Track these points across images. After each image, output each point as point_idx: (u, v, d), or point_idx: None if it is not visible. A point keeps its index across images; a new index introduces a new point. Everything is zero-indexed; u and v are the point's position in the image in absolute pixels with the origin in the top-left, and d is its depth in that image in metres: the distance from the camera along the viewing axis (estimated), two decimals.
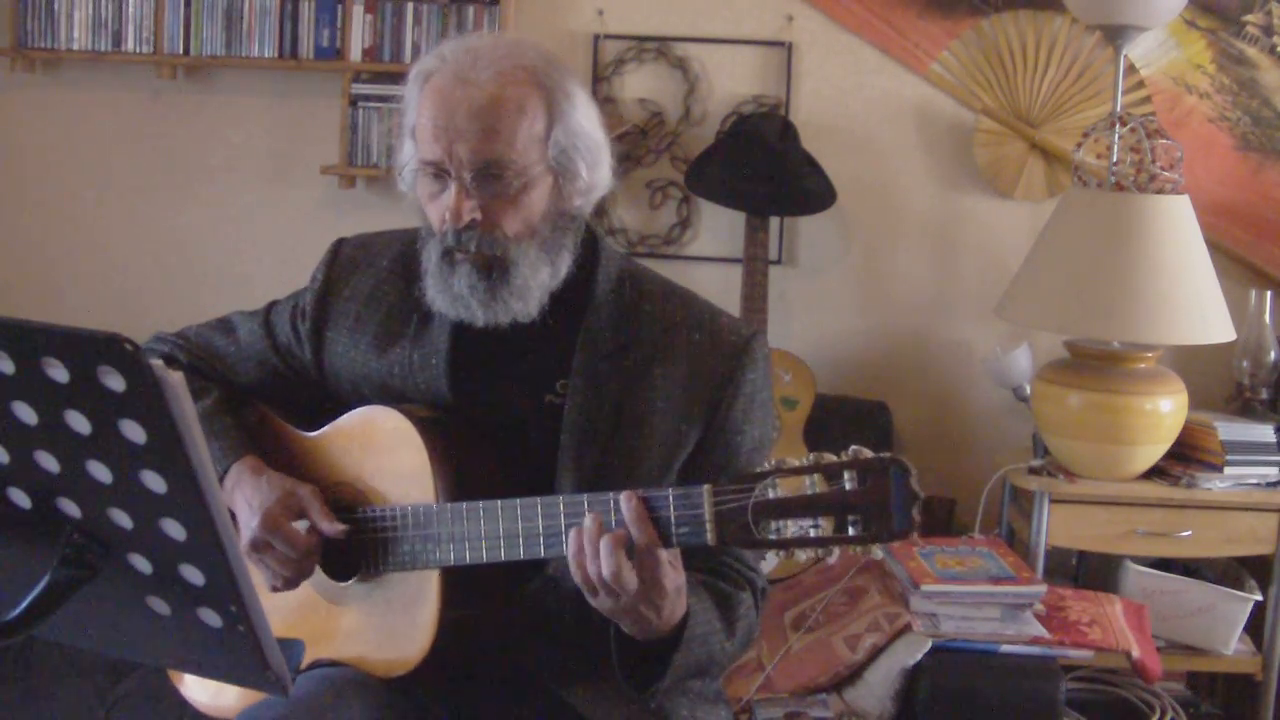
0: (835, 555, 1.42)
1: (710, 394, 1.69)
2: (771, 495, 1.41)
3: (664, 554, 1.48)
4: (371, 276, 1.81)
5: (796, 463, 1.42)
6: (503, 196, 1.62)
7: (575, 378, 1.68)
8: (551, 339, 1.70)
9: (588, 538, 1.48)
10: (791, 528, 1.41)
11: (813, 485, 1.41)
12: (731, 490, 1.44)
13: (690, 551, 1.56)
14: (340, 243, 1.86)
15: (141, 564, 1.19)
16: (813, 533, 1.40)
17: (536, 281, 1.65)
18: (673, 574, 1.50)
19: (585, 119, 1.67)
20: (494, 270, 1.64)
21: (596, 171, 1.69)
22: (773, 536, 1.41)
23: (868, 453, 1.40)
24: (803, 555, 1.42)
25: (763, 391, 1.73)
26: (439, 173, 1.64)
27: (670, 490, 1.48)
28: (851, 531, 1.39)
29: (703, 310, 1.75)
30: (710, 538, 1.45)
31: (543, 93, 1.63)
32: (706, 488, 1.45)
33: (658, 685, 1.59)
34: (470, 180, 1.61)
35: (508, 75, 1.62)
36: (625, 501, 1.48)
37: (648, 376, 1.69)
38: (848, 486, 1.39)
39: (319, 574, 1.72)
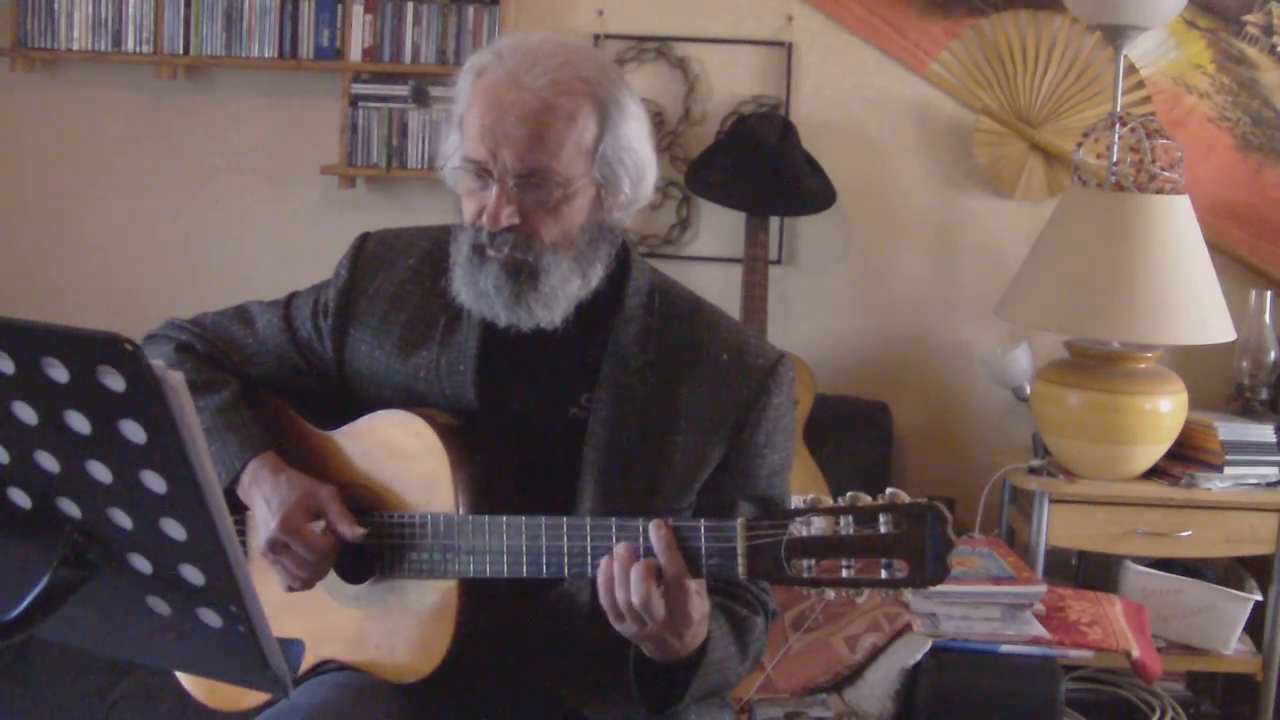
0: (865, 596, 1.42)
1: (734, 416, 1.68)
2: (805, 533, 1.41)
3: (692, 584, 1.48)
4: (397, 275, 1.78)
5: (832, 502, 1.41)
6: (543, 205, 1.60)
7: (600, 392, 1.66)
8: (578, 350, 1.68)
9: (618, 564, 1.48)
10: (823, 566, 1.41)
11: (847, 525, 1.40)
12: (765, 526, 1.43)
13: (714, 580, 1.56)
14: (365, 237, 1.82)
15: (141, 564, 1.19)
16: (845, 573, 1.40)
17: (565, 292, 1.63)
18: (699, 603, 1.50)
19: (635, 134, 1.64)
20: (523, 273, 1.62)
21: (640, 187, 1.66)
22: (804, 574, 1.41)
23: (905, 496, 1.40)
24: (832, 594, 1.42)
25: (786, 415, 1.72)
26: (481, 172, 1.61)
27: (703, 522, 1.47)
28: (884, 575, 1.39)
29: (730, 330, 1.74)
30: (741, 572, 1.45)
31: (596, 104, 1.60)
32: (740, 521, 1.45)
33: (673, 707, 1.59)
34: (512, 185, 1.59)
35: (563, 84, 1.58)
36: (655, 531, 1.47)
37: (673, 395, 1.67)
38: (883, 530, 1.39)
39: (331, 575, 1.71)
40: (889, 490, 1.41)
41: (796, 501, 1.46)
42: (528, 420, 1.70)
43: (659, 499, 1.63)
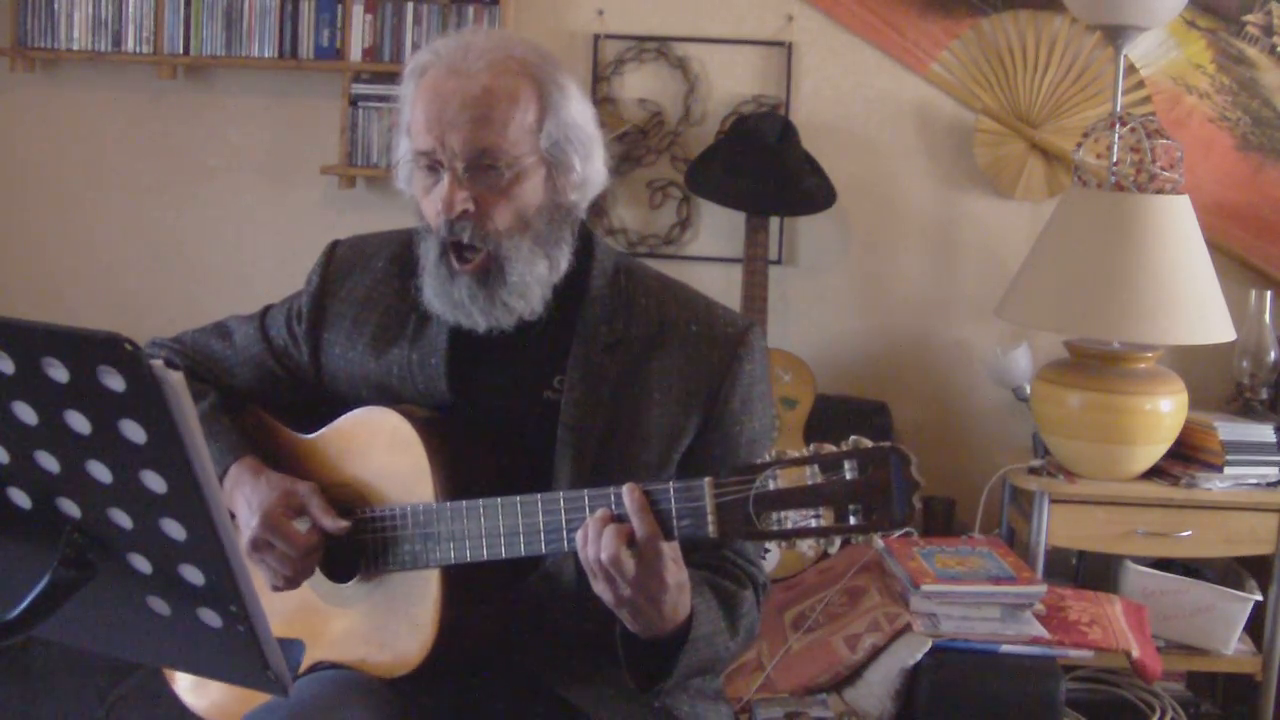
0: (837, 545, 1.42)
1: (707, 386, 1.69)
2: (772, 486, 1.42)
3: (666, 548, 1.48)
4: (367, 277, 1.81)
5: (796, 454, 1.42)
6: (495, 187, 1.63)
7: (572, 373, 1.68)
8: (548, 335, 1.70)
9: (593, 524, 1.49)
10: (793, 518, 1.41)
11: (813, 475, 1.41)
12: (733, 482, 1.44)
13: (692, 547, 1.56)
14: (335, 244, 1.86)
15: (141, 564, 1.19)
16: (814, 523, 1.40)
17: (534, 277, 1.66)
18: (674, 569, 1.50)
19: (577, 111, 1.68)
20: (490, 272, 1.64)
21: (590, 164, 1.69)
22: (774, 527, 1.42)
23: (867, 442, 1.41)
24: (804, 545, 1.43)
25: (760, 383, 1.73)
26: (432, 164, 1.64)
27: (671, 483, 1.48)
28: (853, 520, 1.40)
29: (698, 302, 1.75)
30: (712, 530, 1.45)
31: (534, 84, 1.64)
32: (707, 480, 1.45)
33: (663, 684, 1.59)
34: (463, 170, 1.62)
35: (499, 65, 1.62)
36: (627, 493, 1.48)
37: (644, 370, 1.69)
38: (848, 476, 1.40)
39: (318, 575, 1.71)
40: (851, 437, 1.42)
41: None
42: (502, 407, 1.72)
43: (637, 475, 1.63)
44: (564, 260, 1.69)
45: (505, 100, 1.62)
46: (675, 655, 1.57)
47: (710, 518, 1.45)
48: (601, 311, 1.70)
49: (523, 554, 1.57)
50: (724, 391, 1.69)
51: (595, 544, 1.48)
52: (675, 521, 1.47)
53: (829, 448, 1.41)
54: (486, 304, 1.65)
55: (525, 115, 1.63)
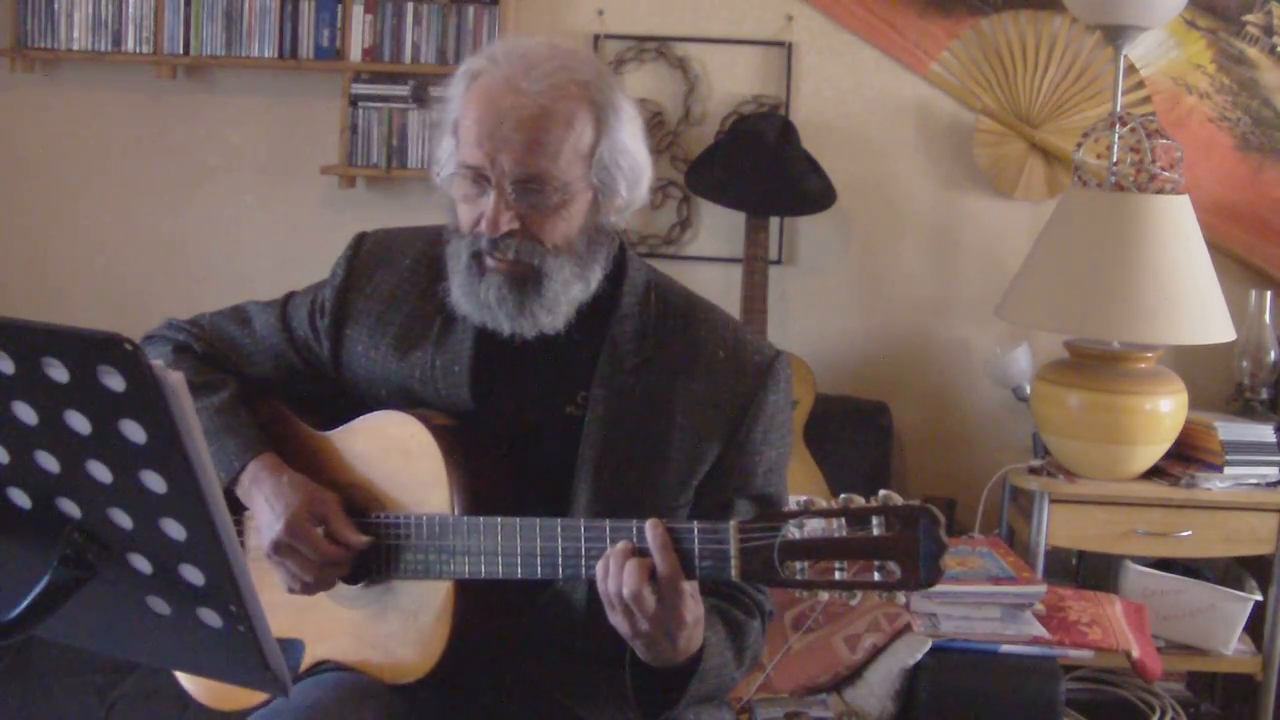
0: (859, 598, 1.42)
1: (731, 413, 1.68)
2: (798, 535, 1.41)
3: (686, 585, 1.48)
4: (393, 275, 1.78)
5: (825, 504, 1.42)
6: (541, 209, 1.60)
7: (596, 390, 1.66)
8: (574, 350, 1.68)
9: (614, 558, 1.48)
10: (816, 569, 1.41)
11: (840, 528, 1.40)
12: (758, 528, 1.43)
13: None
14: (362, 237, 1.82)
15: (141, 564, 1.19)
16: (837, 575, 1.40)
17: (567, 296, 1.63)
18: (693, 605, 1.50)
19: (630, 137, 1.65)
20: (527, 282, 1.62)
21: (636, 190, 1.67)
22: (797, 576, 1.41)
23: (898, 499, 1.40)
24: (826, 596, 1.42)
25: (783, 412, 1.72)
26: (478, 178, 1.61)
27: (696, 524, 1.47)
28: (877, 577, 1.39)
29: (727, 327, 1.74)
30: (734, 573, 1.45)
31: (592, 108, 1.61)
32: (733, 524, 1.45)
33: (668, 714, 1.59)
34: (510, 191, 1.59)
35: (560, 89, 1.59)
36: (651, 529, 1.47)
37: (669, 392, 1.67)
38: (876, 532, 1.39)
39: None
40: (882, 492, 1.41)
41: (791, 503, 1.47)
42: (524, 419, 1.70)
43: (655, 497, 1.62)
44: (596, 280, 1.66)
45: (562, 125, 1.58)
46: (682, 683, 1.57)
47: (733, 561, 1.45)
48: (630, 331, 1.68)
49: (538, 576, 1.56)
50: (747, 421, 1.68)
51: (616, 578, 1.47)
52: (697, 561, 1.47)
53: (859, 501, 1.41)
54: (515, 310, 1.62)
55: (579, 141, 1.60)
